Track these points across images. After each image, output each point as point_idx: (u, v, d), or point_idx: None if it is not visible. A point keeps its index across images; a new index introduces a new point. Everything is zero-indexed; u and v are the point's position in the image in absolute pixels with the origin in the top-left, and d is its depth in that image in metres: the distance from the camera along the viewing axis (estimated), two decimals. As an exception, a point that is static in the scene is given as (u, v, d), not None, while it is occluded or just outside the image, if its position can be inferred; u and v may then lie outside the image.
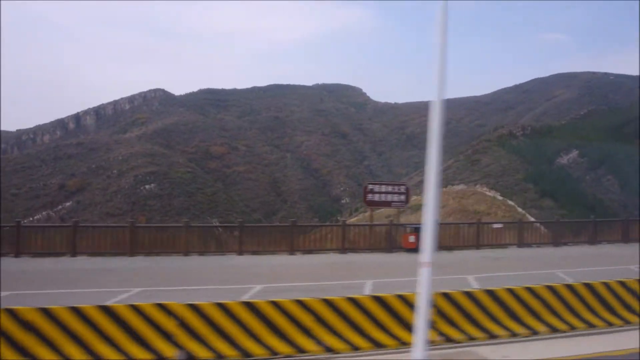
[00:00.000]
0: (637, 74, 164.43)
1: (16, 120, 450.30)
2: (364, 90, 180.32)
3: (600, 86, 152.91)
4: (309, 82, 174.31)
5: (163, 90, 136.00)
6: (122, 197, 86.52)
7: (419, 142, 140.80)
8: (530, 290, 10.04)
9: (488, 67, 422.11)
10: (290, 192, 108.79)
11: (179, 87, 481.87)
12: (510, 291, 9.88)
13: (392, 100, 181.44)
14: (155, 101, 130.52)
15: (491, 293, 9.79)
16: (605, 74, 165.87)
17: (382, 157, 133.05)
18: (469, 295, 9.63)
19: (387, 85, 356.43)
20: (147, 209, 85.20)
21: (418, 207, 65.29)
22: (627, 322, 10.31)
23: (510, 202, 63.87)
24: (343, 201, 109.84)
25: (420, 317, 4.98)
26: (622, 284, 10.85)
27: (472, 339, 9.27)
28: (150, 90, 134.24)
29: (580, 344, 9.41)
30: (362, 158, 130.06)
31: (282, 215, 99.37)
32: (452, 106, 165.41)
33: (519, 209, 62.44)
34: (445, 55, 5.16)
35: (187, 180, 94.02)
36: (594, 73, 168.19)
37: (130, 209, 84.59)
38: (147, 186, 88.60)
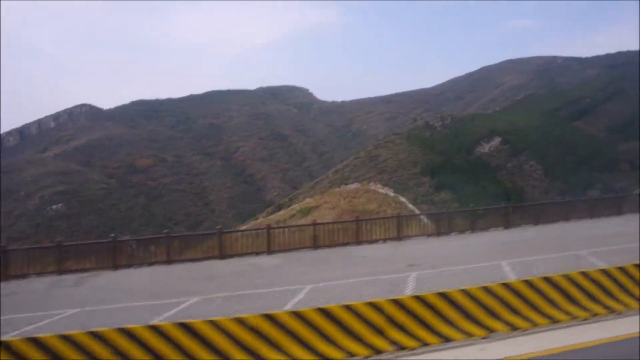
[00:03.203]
0: (585, 56, 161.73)
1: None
2: (311, 90, 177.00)
3: (549, 70, 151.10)
4: (253, 87, 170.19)
5: (90, 105, 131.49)
6: (26, 220, 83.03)
7: (364, 139, 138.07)
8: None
9: (443, 57, 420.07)
10: (218, 200, 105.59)
11: (110, 101, 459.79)
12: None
13: (339, 98, 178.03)
14: (82, 117, 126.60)
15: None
16: (554, 57, 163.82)
17: (324, 157, 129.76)
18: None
19: (336, 84, 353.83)
20: (52, 230, 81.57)
21: (308, 211, 62.55)
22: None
23: (401, 199, 60.84)
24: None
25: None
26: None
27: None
28: (76, 106, 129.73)
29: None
30: (302, 160, 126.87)
31: (207, 225, 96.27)
32: (400, 100, 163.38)
33: (410, 205, 59.49)
34: None
35: (100, 197, 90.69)
36: (543, 57, 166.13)
37: (34, 232, 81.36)
38: (53, 206, 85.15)
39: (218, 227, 28.61)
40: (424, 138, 78.69)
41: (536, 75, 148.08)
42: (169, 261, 24.13)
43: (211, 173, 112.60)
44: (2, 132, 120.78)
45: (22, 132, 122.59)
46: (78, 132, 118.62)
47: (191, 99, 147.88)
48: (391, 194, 61.85)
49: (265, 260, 23.99)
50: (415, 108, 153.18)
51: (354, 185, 65.42)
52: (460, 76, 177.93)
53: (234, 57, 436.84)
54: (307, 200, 65.62)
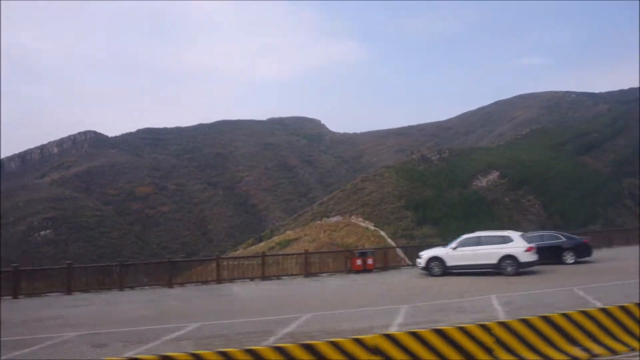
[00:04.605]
0: (598, 91, 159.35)
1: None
2: (324, 122, 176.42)
3: (560, 105, 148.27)
4: (263, 117, 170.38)
5: (94, 132, 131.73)
6: (12, 246, 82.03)
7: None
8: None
9: (457, 92, 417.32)
10: (217, 230, 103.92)
11: (117, 128, 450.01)
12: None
13: (352, 130, 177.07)
14: (86, 143, 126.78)
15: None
16: (567, 92, 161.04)
17: (330, 188, 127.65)
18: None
19: (349, 116, 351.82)
20: (38, 256, 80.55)
21: (287, 243, 60.75)
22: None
23: (381, 233, 58.76)
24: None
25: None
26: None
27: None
28: (80, 133, 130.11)
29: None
30: (307, 190, 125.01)
31: (203, 254, 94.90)
32: (411, 132, 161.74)
33: (388, 239, 57.37)
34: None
35: (92, 225, 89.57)
36: (555, 92, 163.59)
37: (17, 258, 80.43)
38: (42, 232, 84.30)
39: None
40: (416, 171, 76.54)
41: (547, 110, 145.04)
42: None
43: (212, 202, 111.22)
44: (3, 157, 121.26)
45: (23, 158, 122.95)
46: (80, 158, 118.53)
47: (199, 128, 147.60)
48: (371, 227, 59.75)
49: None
50: (426, 141, 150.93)
51: (335, 218, 63.38)
52: (473, 110, 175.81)
53: (247, 87, 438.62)
54: (288, 232, 63.83)
